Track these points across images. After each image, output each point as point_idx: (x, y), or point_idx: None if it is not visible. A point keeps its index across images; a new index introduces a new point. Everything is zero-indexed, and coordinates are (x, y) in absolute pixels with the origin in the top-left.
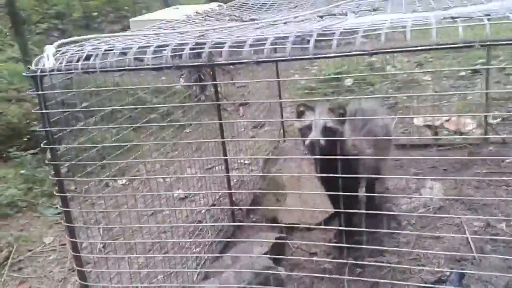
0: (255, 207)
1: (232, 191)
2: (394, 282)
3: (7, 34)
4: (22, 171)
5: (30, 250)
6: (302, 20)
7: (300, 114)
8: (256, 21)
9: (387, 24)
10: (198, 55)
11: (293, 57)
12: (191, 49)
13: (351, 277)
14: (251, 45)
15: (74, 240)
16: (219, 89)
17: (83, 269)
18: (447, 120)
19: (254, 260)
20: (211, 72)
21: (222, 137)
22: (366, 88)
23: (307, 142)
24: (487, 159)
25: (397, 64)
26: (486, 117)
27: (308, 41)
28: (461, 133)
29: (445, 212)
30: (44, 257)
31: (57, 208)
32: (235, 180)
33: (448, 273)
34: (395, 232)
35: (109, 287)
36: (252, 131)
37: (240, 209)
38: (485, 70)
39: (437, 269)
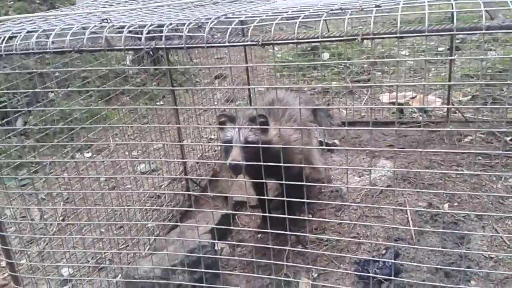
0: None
1: (186, 160)
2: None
3: None
4: None
5: None
6: (233, 1)
7: (221, 124)
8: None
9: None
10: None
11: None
12: (90, 33)
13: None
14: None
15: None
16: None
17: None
18: (412, 98)
19: (191, 239)
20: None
21: (177, 118)
22: (343, 63)
23: (228, 164)
24: (445, 138)
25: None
26: (449, 95)
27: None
28: (425, 111)
29: (392, 191)
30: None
31: (21, 180)
32: (198, 156)
33: (383, 252)
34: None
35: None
36: (224, 105)
37: (197, 184)
38: (453, 46)
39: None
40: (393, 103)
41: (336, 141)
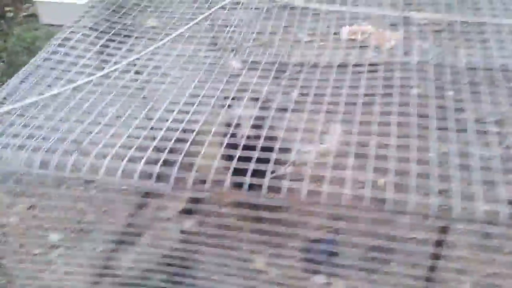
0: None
1: None
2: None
3: None
4: None
5: None
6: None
7: None
8: None
9: None
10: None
11: None
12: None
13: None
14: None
15: None
16: None
17: None
18: (372, 33)
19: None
20: None
21: None
22: None
23: None
24: (394, 88)
25: None
26: None
27: None
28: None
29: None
30: None
31: None
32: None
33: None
34: None
35: None
36: None
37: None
38: None
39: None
40: (354, 39)
41: None
